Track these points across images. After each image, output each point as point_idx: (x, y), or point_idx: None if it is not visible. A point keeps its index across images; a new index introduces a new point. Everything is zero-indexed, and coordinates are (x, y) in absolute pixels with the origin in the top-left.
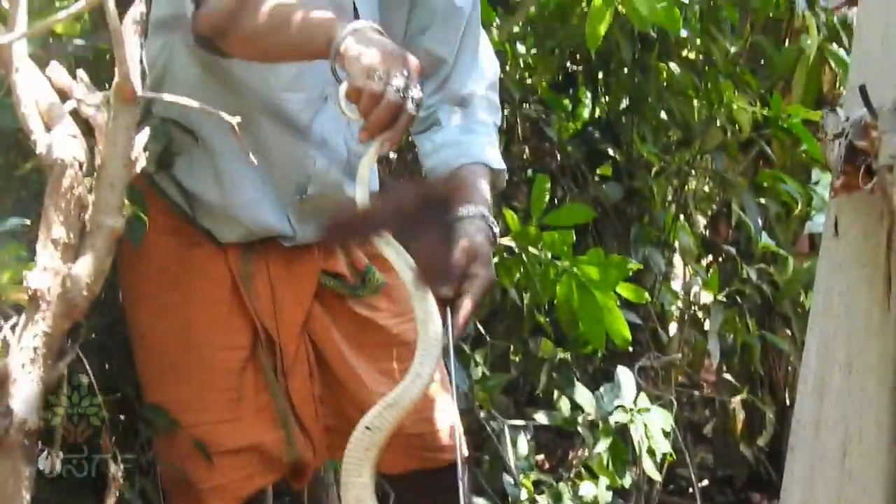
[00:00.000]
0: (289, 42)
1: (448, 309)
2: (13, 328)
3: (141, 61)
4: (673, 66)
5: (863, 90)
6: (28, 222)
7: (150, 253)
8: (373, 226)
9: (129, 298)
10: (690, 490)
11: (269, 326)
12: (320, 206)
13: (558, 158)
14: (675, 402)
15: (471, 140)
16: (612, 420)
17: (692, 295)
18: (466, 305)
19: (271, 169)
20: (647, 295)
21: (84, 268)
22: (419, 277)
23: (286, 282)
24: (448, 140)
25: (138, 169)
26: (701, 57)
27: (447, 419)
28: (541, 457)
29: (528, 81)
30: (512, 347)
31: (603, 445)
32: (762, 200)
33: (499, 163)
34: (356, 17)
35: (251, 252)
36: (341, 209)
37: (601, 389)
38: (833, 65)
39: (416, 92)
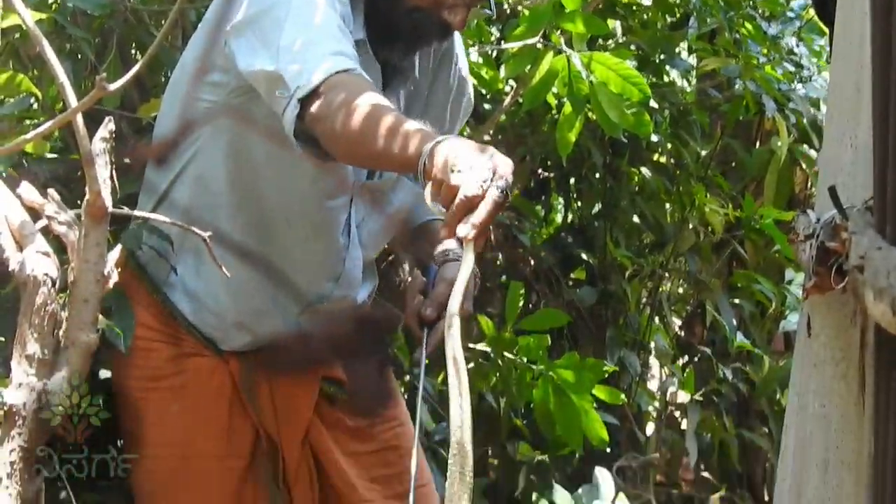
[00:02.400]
0: (380, 151)
1: (426, 330)
2: None
3: (112, 178)
4: (644, 170)
5: (832, 191)
6: (2, 339)
7: (145, 360)
8: (311, 351)
9: (123, 407)
10: None
11: (272, 434)
12: (331, 310)
13: (532, 264)
14: (653, 502)
15: None
16: None
17: (668, 395)
18: (442, 329)
19: (296, 274)
20: (623, 396)
21: (59, 383)
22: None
23: (288, 390)
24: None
25: (111, 284)
26: (672, 161)
27: None
28: None
29: None
30: (490, 451)
31: None
32: (736, 301)
33: None
34: None
35: (252, 360)
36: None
37: (580, 490)
38: (804, 165)
39: (501, 183)
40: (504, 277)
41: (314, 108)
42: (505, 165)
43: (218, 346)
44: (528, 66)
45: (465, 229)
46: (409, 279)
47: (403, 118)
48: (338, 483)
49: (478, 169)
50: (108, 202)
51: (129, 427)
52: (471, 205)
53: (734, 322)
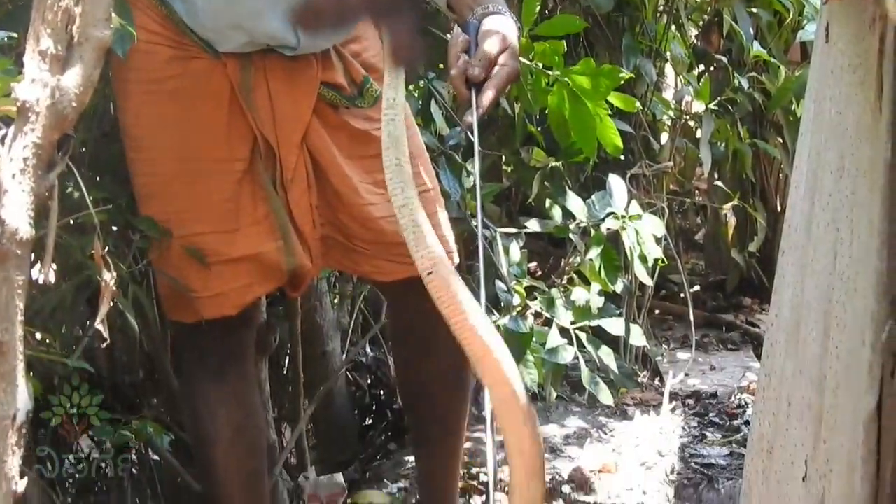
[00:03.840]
0: None
1: (474, 91)
2: (2, 140)
3: None
4: None
5: None
6: (15, 35)
7: (145, 63)
8: (344, 8)
9: (123, 109)
10: (682, 295)
11: (270, 138)
12: None
13: None
14: (666, 210)
15: None
16: (603, 227)
17: (683, 104)
18: (492, 89)
19: None
20: (638, 104)
21: (72, 79)
22: (393, 59)
23: (286, 93)
24: None
25: None
26: None
27: (439, 227)
28: (533, 264)
29: None
30: (504, 157)
31: (595, 252)
32: (754, 10)
33: None
34: None
35: (250, 64)
36: None
37: (593, 197)
38: None
39: None
40: None
41: None
42: None
43: (215, 49)
44: None
45: None
46: (450, 38)
47: None
48: (340, 186)
49: None
50: None
51: (128, 131)
52: None
53: (751, 31)
